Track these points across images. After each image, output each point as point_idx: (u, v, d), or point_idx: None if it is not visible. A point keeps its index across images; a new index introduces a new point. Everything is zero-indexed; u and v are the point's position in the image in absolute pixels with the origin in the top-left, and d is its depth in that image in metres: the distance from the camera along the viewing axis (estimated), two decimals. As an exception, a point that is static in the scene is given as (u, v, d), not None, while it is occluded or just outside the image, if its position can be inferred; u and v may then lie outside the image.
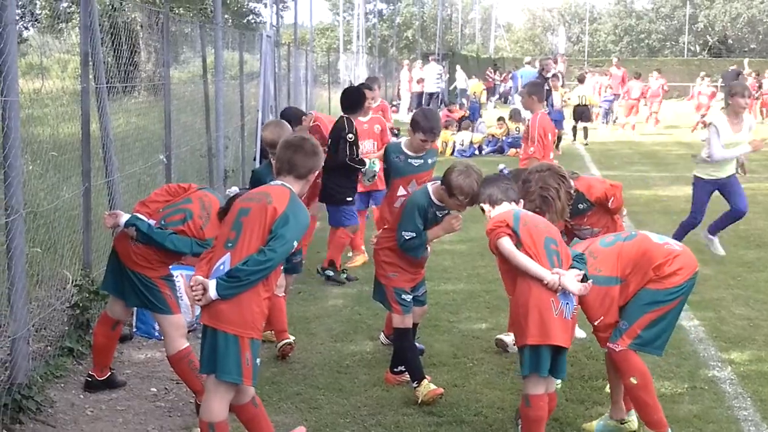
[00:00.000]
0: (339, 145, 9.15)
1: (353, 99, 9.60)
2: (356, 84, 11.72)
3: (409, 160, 7.30)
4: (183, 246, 5.71)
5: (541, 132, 8.85)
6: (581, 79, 25.58)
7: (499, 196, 5.51)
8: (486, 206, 5.58)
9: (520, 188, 5.63)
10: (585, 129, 25.01)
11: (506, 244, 5.17)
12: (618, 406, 5.68)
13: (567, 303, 5.07)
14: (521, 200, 5.56)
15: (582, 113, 24.84)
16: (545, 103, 20.81)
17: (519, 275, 5.14)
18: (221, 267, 4.67)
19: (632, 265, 5.34)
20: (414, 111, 8.59)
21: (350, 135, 9.15)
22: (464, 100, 31.86)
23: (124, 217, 5.80)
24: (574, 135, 25.08)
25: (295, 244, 4.77)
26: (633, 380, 5.34)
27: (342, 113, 9.54)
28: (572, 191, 5.62)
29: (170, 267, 6.08)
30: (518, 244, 5.15)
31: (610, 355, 5.41)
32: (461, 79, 37.60)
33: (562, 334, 5.04)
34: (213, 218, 5.70)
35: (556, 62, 30.18)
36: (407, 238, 6.10)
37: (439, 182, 6.04)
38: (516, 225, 5.21)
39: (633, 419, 5.67)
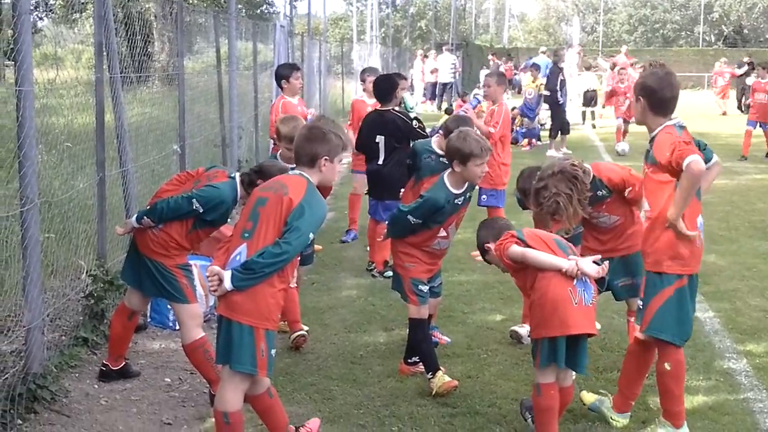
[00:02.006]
0: (402, 139, 9.03)
1: (384, 87, 9.43)
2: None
3: (441, 159, 7.20)
4: (183, 201, 5.68)
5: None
6: (587, 67, 27.90)
7: (499, 231, 5.57)
8: (492, 245, 5.57)
9: (534, 192, 5.65)
10: (593, 113, 27.09)
11: (515, 248, 5.26)
12: (622, 395, 5.66)
13: (585, 290, 5.11)
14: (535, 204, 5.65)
15: (591, 99, 26.77)
16: (558, 93, 20.90)
17: (537, 274, 5.17)
18: (237, 257, 4.67)
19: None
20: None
21: (416, 122, 9.08)
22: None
23: (133, 219, 5.87)
24: (584, 119, 27.31)
25: (311, 235, 4.75)
26: (667, 366, 5.31)
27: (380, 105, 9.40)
28: (586, 194, 5.59)
29: (187, 257, 6.09)
30: (526, 247, 5.23)
31: (655, 339, 5.36)
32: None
33: (583, 322, 5.07)
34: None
35: (581, 53, 30.72)
36: (412, 222, 6.13)
37: (449, 170, 6.08)
38: (520, 234, 5.33)
39: (622, 421, 5.66)
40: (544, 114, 22.90)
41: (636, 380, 5.65)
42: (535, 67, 22.84)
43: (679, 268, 5.20)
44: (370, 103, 10.68)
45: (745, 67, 32.75)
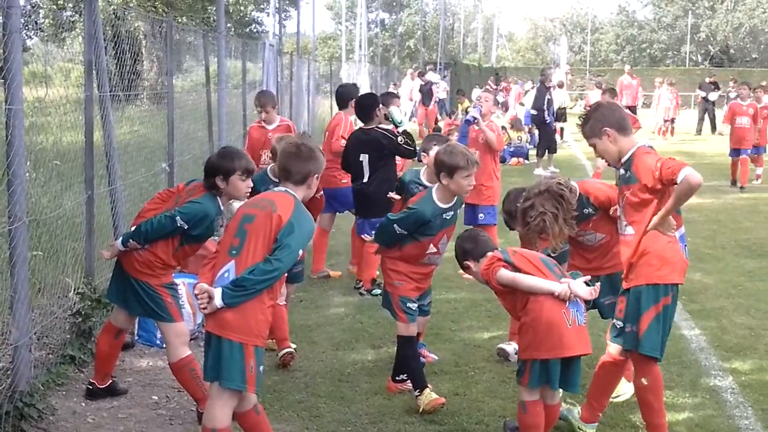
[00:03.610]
0: (387, 156, 9.06)
1: (365, 105, 9.42)
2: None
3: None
4: (166, 221, 5.69)
5: None
6: (560, 85, 27.85)
7: (482, 249, 5.59)
8: (470, 263, 5.62)
9: (520, 211, 5.67)
10: (562, 129, 27.46)
11: (505, 273, 5.26)
12: (590, 406, 5.71)
13: (576, 310, 5.15)
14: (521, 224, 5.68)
15: (561, 116, 26.93)
16: (546, 112, 21.04)
17: (528, 297, 5.19)
18: (226, 275, 4.69)
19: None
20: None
21: (399, 137, 9.08)
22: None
23: (119, 242, 5.86)
24: (561, 135, 27.66)
25: (301, 252, 4.80)
26: (644, 381, 5.37)
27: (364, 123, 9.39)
28: (572, 213, 5.63)
29: (173, 275, 6.10)
30: (516, 270, 5.24)
31: (631, 354, 5.41)
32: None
33: (577, 343, 5.12)
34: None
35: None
36: (397, 232, 6.16)
37: (437, 185, 6.14)
38: (506, 257, 5.34)
39: (590, 431, 5.71)
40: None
41: (606, 393, 5.74)
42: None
43: (670, 278, 5.25)
44: (270, 129, 9.95)
45: (712, 89, 32.89)
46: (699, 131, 32.72)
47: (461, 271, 5.84)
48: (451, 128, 22.84)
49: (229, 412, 4.82)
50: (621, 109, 5.66)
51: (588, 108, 5.75)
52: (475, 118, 10.33)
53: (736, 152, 18.06)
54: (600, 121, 5.40)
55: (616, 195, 6.13)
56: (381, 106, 9.40)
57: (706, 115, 33.24)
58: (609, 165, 5.65)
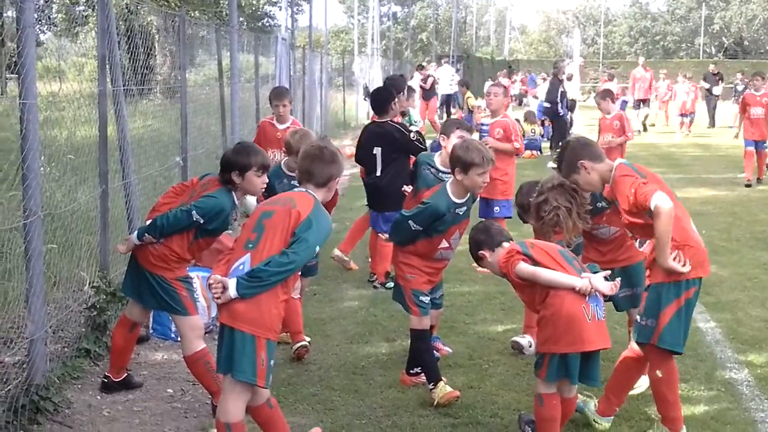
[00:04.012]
0: (400, 150, 9.00)
1: (381, 99, 9.39)
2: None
3: (440, 174, 7.28)
4: (182, 215, 5.69)
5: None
6: (569, 77, 26.98)
7: (497, 239, 5.60)
8: (486, 253, 5.62)
9: (534, 206, 5.68)
10: (571, 118, 26.77)
11: (525, 267, 5.24)
12: (608, 400, 5.71)
13: (596, 305, 5.15)
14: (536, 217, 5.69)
15: (571, 107, 26.40)
16: (559, 104, 20.99)
17: (548, 291, 5.18)
18: (241, 267, 4.70)
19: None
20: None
21: (413, 129, 9.04)
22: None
23: (134, 236, 5.86)
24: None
25: (317, 249, 4.83)
26: (659, 373, 5.37)
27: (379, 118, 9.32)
28: (585, 207, 5.62)
29: (187, 269, 6.12)
30: (535, 264, 5.22)
31: (645, 347, 5.41)
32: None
33: (597, 338, 5.11)
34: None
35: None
36: (413, 228, 6.15)
37: (451, 179, 6.15)
38: (525, 249, 5.32)
39: (605, 424, 5.70)
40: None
41: (625, 388, 5.74)
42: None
43: (694, 272, 5.24)
44: (281, 128, 9.70)
45: (716, 81, 31.91)
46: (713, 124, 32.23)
47: (475, 264, 5.83)
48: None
49: (242, 406, 4.83)
50: (587, 139, 5.86)
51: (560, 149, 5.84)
52: (484, 129, 10.27)
53: (752, 144, 17.27)
54: (573, 158, 5.52)
55: None
56: (397, 100, 9.39)
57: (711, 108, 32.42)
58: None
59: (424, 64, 36.61)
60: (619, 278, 5.30)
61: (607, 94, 14.60)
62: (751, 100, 17.38)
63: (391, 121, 9.20)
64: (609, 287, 5.14)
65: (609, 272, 5.26)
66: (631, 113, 28.00)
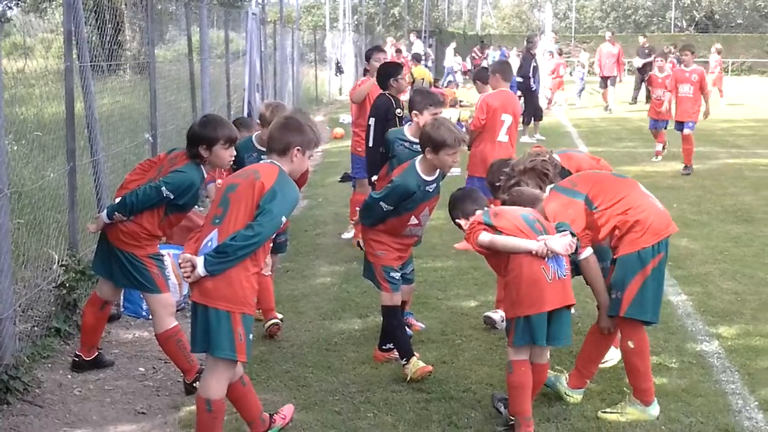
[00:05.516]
0: (387, 123, 8.85)
1: (384, 74, 9.21)
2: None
3: (415, 147, 7.21)
4: (151, 191, 5.65)
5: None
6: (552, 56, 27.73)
7: (471, 207, 5.66)
8: (462, 221, 5.68)
9: (505, 187, 5.79)
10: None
11: (484, 236, 5.26)
12: (579, 373, 5.76)
13: (557, 263, 5.15)
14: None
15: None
16: (531, 79, 20.99)
17: (509, 255, 5.19)
18: (209, 243, 4.66)
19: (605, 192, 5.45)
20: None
21: (399, 110, 9.00)
22: (452, 77, 31.58)
23: (104, 215, 5.80)
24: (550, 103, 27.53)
25: (284, 219, 4.76)
26: (630, 344, 5.42)
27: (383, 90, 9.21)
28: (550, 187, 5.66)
29: (158, 246, 6.06)
30: (497, 232, 5.24)
31: (617, 320, 5.46)
32: (449, 57, 37.38)
33: (557, 297, 5.12)
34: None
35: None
36: (384, 209, 6.13)
37: (420, 156, 6.14)
38: (486, 218, 5.33)
39: (577, 397, 5.74)
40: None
41: (595, 360, 5.80)
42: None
43: (653, 239, 5.29)
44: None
45: (646, 54, 29.26)
46: (635, 99, 30.26)
47: (457, 244, 5.82)
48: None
49: (225, 384, 4.81)
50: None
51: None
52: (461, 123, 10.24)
53: (680, 125, 15.54)
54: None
55: (599, 167, 6.19)
56: (398, 78, 9.23)
57: (643, 84, 28.35)
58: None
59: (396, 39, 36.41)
60: (575, 239, 5.26)
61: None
62: (680, 76, 15.61)
63: (388, 94, 9.12)
64: (564, 247, 5.12)
65: (567, 232, 5.22)
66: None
